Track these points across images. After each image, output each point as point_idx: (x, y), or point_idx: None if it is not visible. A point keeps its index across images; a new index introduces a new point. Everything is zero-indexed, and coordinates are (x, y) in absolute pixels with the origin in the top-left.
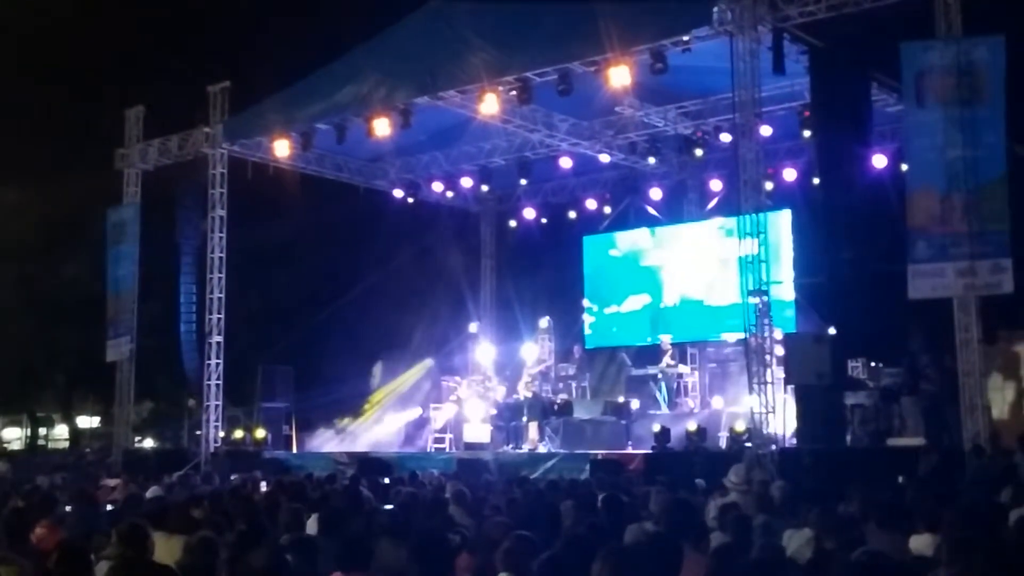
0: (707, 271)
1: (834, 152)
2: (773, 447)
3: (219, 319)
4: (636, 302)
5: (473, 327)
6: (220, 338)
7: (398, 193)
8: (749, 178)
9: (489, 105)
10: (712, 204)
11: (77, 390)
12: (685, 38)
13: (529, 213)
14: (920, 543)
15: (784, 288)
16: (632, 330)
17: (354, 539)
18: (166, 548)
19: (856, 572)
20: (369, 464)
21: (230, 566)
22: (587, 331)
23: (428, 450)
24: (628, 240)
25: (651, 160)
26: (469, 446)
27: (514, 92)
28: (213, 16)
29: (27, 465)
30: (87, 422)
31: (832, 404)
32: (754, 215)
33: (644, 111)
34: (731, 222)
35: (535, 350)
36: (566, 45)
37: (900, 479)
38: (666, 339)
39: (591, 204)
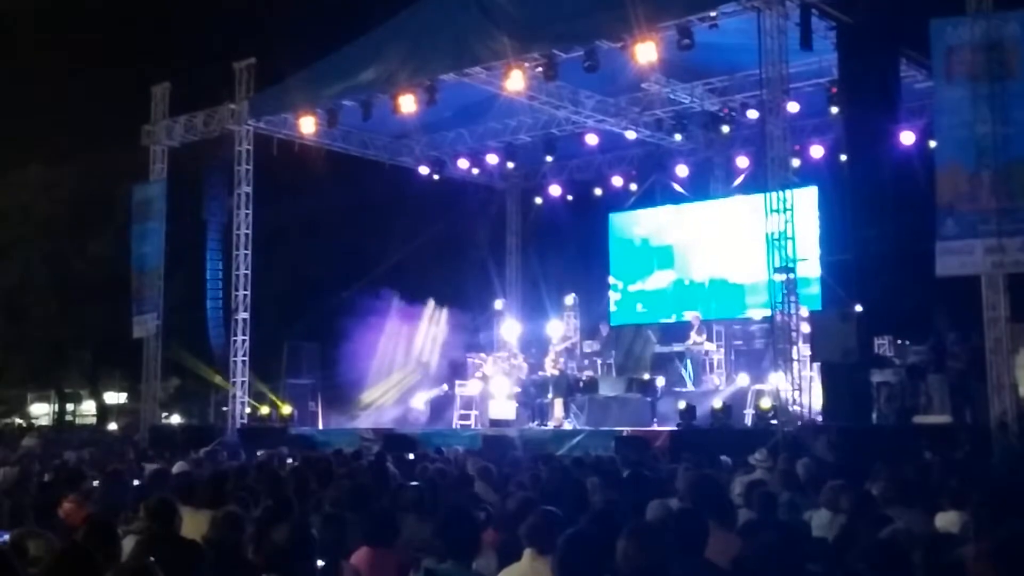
0: (732, 248)
1: (862, 129)
2: (799, 424)
3: (245, 296)
4: (661, 279)
5: (499, 304)
6: (246, 315)
7: (424, 170)
8: (776, 155)
9: (515, 82)
10: (739, 181)
11: (104, 366)
12: (712, 14)
13: (555, 190)
14: (946, 520)
15: (810, 265)
16: (657, 307)
17: (380, 515)
18: (193, 523)
19: (882, 549)
20: (395, 440)
21: (256, 541)
22: (612, 308)
23: (454, 427)
24: (654, 217)
25: (677, 137)
26: (494, 423)
27: (540, 68)
28: None
29: (55, 440)
30: (114, 398)
31: (858, 381)
32: (781, 192)
33: (670, 88)
34: (757, 199)
35: (560, 327)
36: (593, 22)
37: (928, 456)
38: (694, 316)
39: (617, 181)
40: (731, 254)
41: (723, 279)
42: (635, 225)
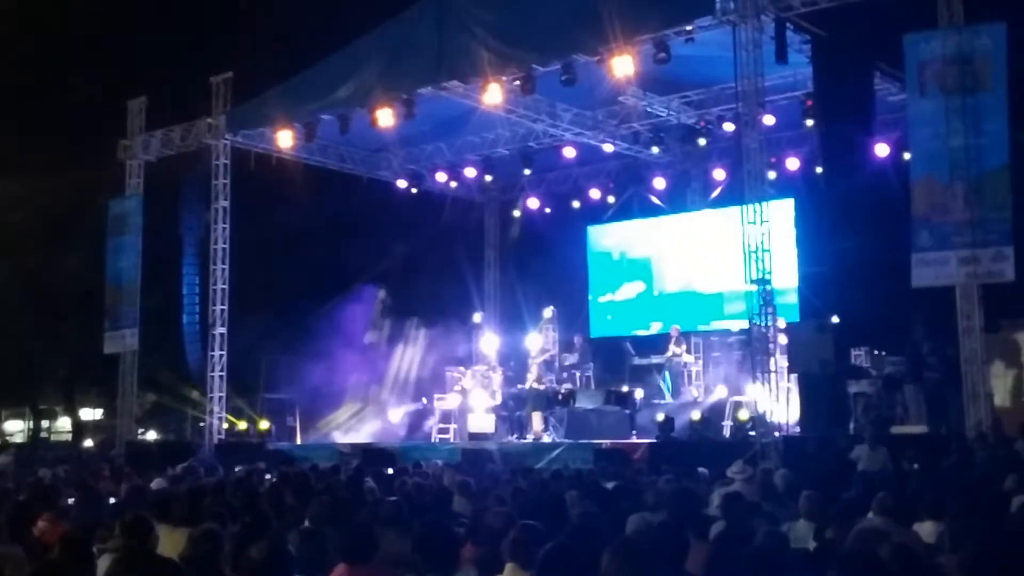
0: (710, 260)
1: (837, 141)
2: (777, 435)
3: (222, 310)
4: (630, 290)
5: (477, 317)
6: (223, 329)
7: (402, 183)
8: (752, 167)
9: (492, 95)
10: (716, 193)
11: (80, 382)
12: (688, 27)
13: (533, 203)
14: (923, 531)
15: (787, 277)
16: (635, 318)
17: (358, 530)
18: (170, 540)
19: (860, 560)
20: (373, 455)
21: (234, 558)
22: (591, 320)
23: (432, 440)
24: (631, 229)
25: (654, 149)
26: (473, 436)
27: (517, 82)
28: (216, 6)
29: (30, 458)
30: (90, 414)
31: (835, 392)
32: (757, 204)
33: (647, 101)
34: (734, 211)
35: (539, 340)
36: (570, 36)
37: (905, 466)
38: (674, 328)
39: (595, 194)
40: (708, 266)
41: (701, 291)
42: (613, 237)
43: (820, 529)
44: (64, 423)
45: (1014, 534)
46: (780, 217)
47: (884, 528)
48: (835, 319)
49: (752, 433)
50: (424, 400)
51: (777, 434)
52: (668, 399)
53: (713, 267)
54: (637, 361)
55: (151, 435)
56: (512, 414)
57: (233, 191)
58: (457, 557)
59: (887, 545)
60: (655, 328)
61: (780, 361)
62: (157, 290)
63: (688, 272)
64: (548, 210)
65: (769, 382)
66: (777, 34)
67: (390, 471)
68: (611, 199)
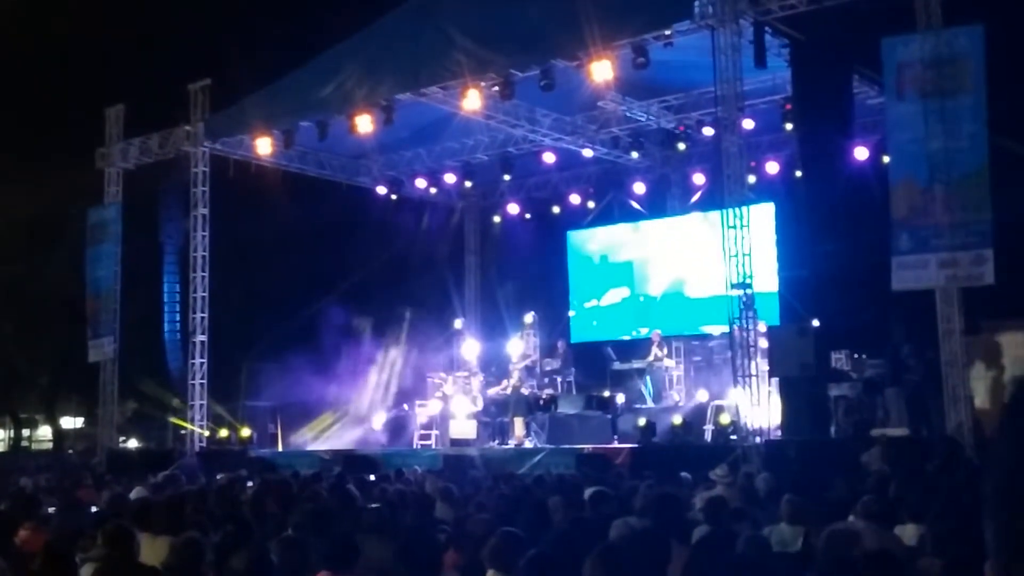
0: (690, 264)
1: (816, 145)
2: (758, 439)
3: (203, 318)
4: (619, 296)
5: (458, 323)
6: (204, 337)
7: (381, 190)
8: (732, 172)
9: (472, 101)
10: (696, 198)
11: (60, 391)
12: (667, 32)
13: (513, 208)
14: (904, 534)
15: (767, 280)
16: (616, 323)
17: (341, 538)
18: (152, 549)
19: (841, 564)
20: (355, 461)
21: (216, 567)
22: (572, 326)
23: (414, 447)
24: (612, 234)
25: (634, 154)
26: (455, 442)
27: (496, 88)
28: (193, 13)
29: (10, 466)
30: (71, 423)
31: (816, 396)
32: (737, 208)
33: (626, 105)
34: (714, 215)
35: (520, 345)
36: (548, 41)
37: (886, 468)
38: (655, 333)
39: (575, 199)
40: (689, 270)
41: (681, 295)
42: (593, 242)
43: (808, 534)
44: (45, 431)
45: None
46: (760, 221)
47: (856, 531)
48: (816, 322)
49: (733, 437)
50: (405, 406)
51: (758, 438)
52: (650, 403)
53: (694, 271)
54: (618, 366)
55: (132, 443)
56: (494, 420)
57: (212, 198)
58: (440, 564)
59: (861, 548)
60: (654, 334)
61: (761, 365)
62: (137, 298)
63: (670, 276)
64: (528, 215)
65: (750, 386)
66: (756, 38)
67: (372, 478)
68: (591, 204)
